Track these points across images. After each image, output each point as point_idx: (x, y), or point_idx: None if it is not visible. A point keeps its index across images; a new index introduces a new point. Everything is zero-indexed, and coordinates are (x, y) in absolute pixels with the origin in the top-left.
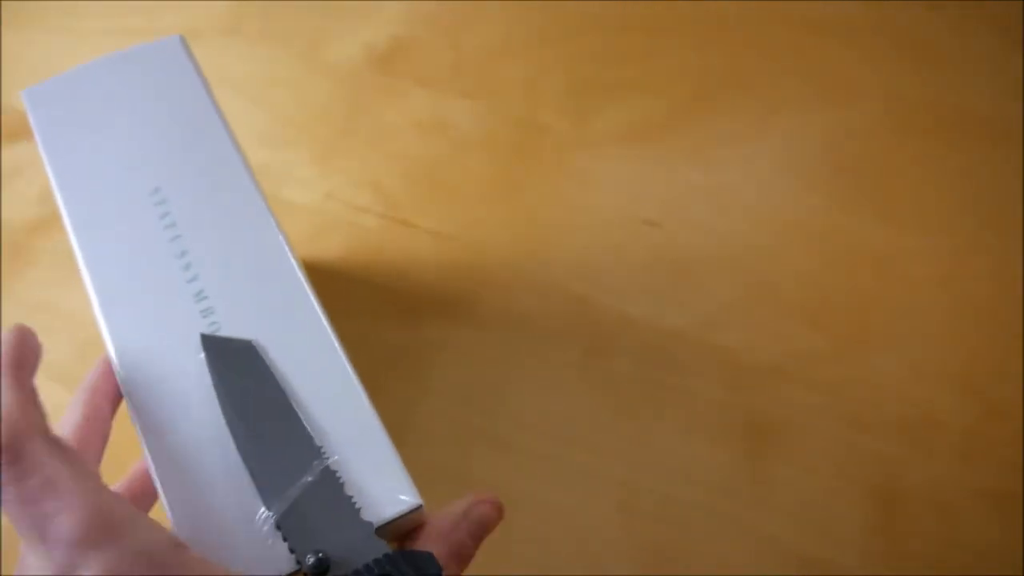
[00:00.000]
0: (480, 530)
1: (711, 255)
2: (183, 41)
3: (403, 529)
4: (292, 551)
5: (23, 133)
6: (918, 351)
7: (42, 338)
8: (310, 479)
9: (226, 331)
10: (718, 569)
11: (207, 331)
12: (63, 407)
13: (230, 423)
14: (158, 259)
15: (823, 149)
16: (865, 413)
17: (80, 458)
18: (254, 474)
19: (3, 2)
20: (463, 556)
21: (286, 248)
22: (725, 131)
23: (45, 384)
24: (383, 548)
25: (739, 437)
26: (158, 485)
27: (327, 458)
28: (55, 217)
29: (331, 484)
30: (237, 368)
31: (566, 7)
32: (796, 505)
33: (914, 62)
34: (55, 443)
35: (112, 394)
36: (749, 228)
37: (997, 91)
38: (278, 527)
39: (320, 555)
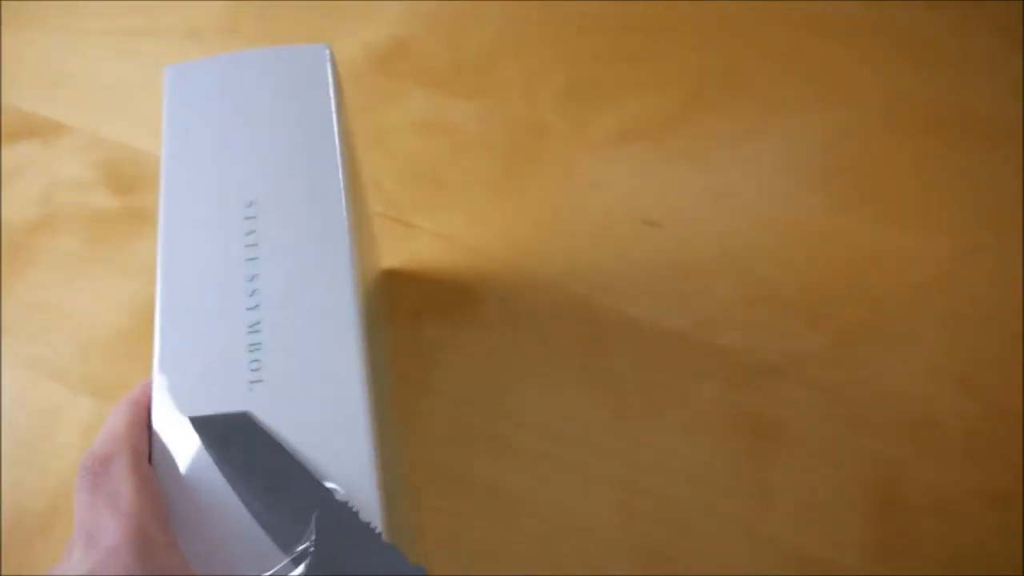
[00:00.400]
0: None
1: (711, 255)
2: (329, 52)
3: None
4: None
5: (23, 133)
6: (918, 351)
7: (43, 338)
8: (346, 536)
9: (265, 372)
10: (718, 569)
11: (248, 367)
12: (63, 407)
13: (246, 502)
14: (228, 276)
15: (823, 149)
16: (865, 413)
17: (154, 482)
18: (279, 543)
19: (3, 2)
20: None
21: (355, 314)
22: (725, 131)
23: (45, 384)
24: None
25: (739, 437)
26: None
27: (357, 511)
28: (55, 217)
29: (369, 535)
30: (238, 444)
31: (566, 7)
32: (796, 505)
33: (914, 62)
34: (139, 465)
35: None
36: (749, 228)
37: (997, 91)
38: None
39: None
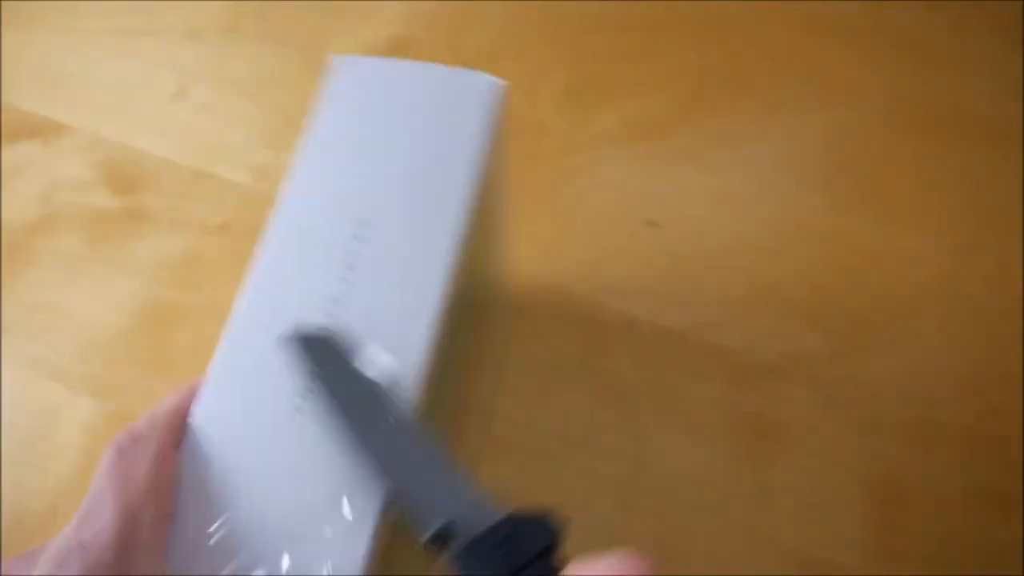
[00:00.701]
0: None
1: (711, 255)
2: (502, 87)
3: None
4: (412, 523)
5: (23, 133)
6: (918, 351)
7: (42, 338)
8: (418, 455)
9: (313, 399)
10: (718, 569)
11: (298, 387)
12: (63, 407)
13: (329, 411)
14: (315, 289)
15: (823, 149)
16: (865, 413)
17: (171, 473)
18: (361, 456)
19: (3, 2)
20: None
21: (421, 360)
22: (725, 131)
23: (45, 384)
24: (499, 515)
25: (739, 437)
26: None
27: (429, 436)
28: (55, 217)
29: (442, 460)
30: (326, 359)
31: (566, 7)
32: (796, 505)
33: (914, 62)
34: (163, 453)
35: None
36: (749, 228)
37: (997, 91)
38: (393, 503)
39: (442, 524)
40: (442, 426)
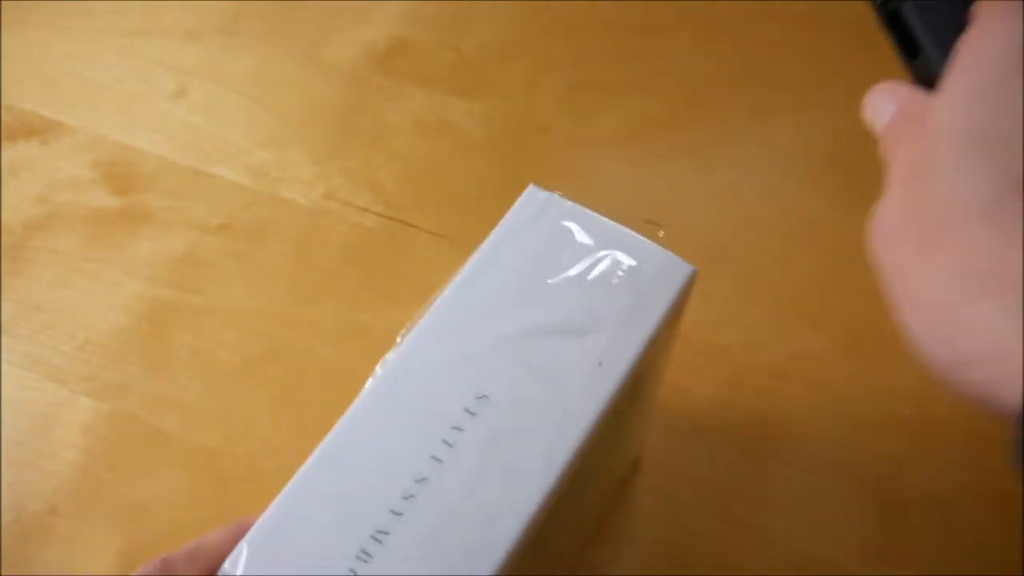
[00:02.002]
0: None
1: (711, 255)
2: (691, 275)
3: None
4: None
5: (23, 133)
6: None
7: (42, 338)
8: None
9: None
10: (718, 569)
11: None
12: (62, 407)
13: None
14: (400, 462)
15: (823, 149)
16: (865, 413)
17: None
18: None
19: (3, 2)
20: None
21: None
22: (725, 131)
23: (44, 384)
24: None
25: (739, 437)
26: None
27: None
28: (54, 217)
29: None
30: None
31: (566, 7)
32: (796, 505)
33: None
34: None
35: None
36: (749, 228)
37: None
38: None
39: None
40: None
